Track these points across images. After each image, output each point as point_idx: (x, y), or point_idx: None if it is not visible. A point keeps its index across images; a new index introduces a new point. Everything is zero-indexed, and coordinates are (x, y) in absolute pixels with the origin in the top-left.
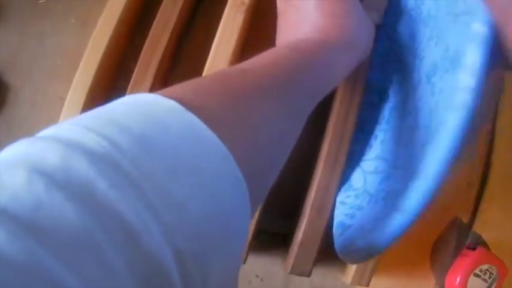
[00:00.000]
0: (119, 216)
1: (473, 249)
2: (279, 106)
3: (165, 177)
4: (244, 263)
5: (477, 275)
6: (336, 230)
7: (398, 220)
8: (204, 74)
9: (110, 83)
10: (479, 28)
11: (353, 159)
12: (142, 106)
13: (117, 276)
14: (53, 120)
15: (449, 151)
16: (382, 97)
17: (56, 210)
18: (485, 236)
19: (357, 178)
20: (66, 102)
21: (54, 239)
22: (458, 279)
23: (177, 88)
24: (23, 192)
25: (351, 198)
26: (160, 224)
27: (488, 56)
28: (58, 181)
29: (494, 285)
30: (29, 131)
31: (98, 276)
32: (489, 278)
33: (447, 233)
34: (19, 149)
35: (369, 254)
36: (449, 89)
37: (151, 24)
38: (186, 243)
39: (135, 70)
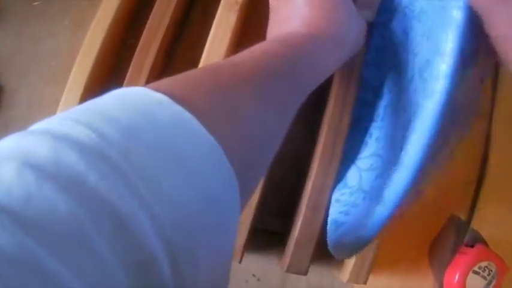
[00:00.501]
0: (109, 207)
1: (472, 246)
2: (268, 99)
3: (154, 168)
4: (240, 262)
5: (476, 272)
6: (329, 227)
7: (379, 212)
8: None
9: (104, 84)
10: (454, 14)
11: (348, 158)
12: (131, 99)
13: (108, 267)
14: None
15: (426, 138)
16: (377, 94)
17: (47, 202)
18: (484, 233)
19: (352, 176)
20: (61, 103)
21: (44, 231)
22: (456, 277)
23: (167, 81)
24: (14, 185)
25: (345, 196)
26: (150, 215)
27: (464, 41)
28: (48, 173)
29: (494, 282)
30: None
31: (89, 267)
32: (488, 275)
33: (445, 230)
34: (10, 143)
35: (356, 247)
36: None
37: (145, 24)
38: (175, 234)
39: (129, 70)
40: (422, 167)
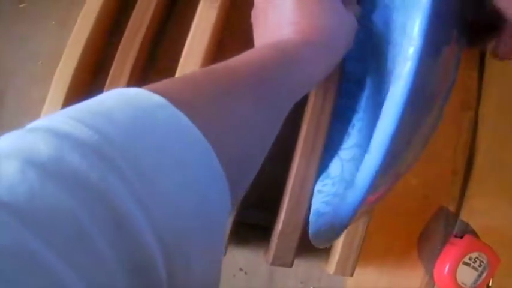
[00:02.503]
0: (108, 207)
1: (461, 237)
2: (262, 104)
3: (152, 171)
4: (224, 254)
5: (467, 264)
6: (311, 217)
7: (351, 197)
8: (178, 68)
9: (89, 81)
10: None
11: (331, 148)
12: (131, 100)
13: (107, 265)
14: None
15: (394, 123)
16: (359, 86)
17: (49, 201)
18: (474, 224)
19: (335, 167)
20: (47, 101)
21: (46, 228)
22: (447, 268)
23: (165, 83)
24: (17, 182)
25: (327, 187)
26: (148, 216)
27: (430, 22)
28: (51, 172)
29: (486, 273)
30: None
31: (88, 265)
32: (479, 266)
33: (434, 221)
34: (12, 140)
35: (329, 236)
36: None
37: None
38: (170, 235)
39: (113, 66)
40: (391, 151)
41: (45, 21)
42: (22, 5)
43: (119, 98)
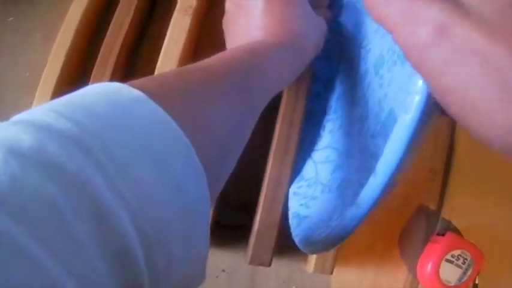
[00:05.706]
0: (88, 197)
1: (443, 235)
2: (234, 103)
3: (129, 162)
4: None
5: (449, 261)
6: (292, 221)
7: (353, 213)
8: (155, 72)
9: (72, 87)
10: None
11: (303, 150)
12: (111, 94)
13: (88, 254)
14: None
15: (401, 151)
16: (327, 87)
17: (31, 188)
18: (456, 222)
19: (308, 169)
20: (32, 107)
21: (28, 215)
22: (429, 266)
23: (143, 80)
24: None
25: (303, 189)
26: (126, 206)
27: None
28: (32, 160)
29: (471, 270)
30: None
31: (69, 253)
32: (463, 263)
33: (414, 220)
34: None
35: (325, 246)
36: (398, 81)
37: None
38: (149, 226)
39: (93, 71)
40: (396, 173)
41: (31, 35)
42: (10, 19)
43: (100, 92)
